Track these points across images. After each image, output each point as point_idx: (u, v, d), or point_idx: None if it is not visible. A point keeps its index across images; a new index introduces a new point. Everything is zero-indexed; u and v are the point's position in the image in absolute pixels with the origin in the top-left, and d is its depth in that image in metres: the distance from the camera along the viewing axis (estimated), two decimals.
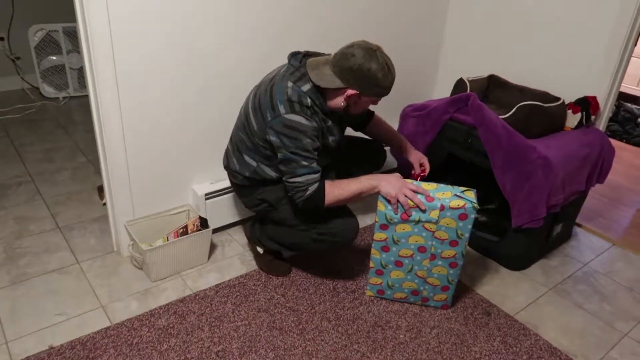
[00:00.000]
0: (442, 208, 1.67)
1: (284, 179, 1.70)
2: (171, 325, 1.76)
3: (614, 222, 2.65)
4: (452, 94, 2.38)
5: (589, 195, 2.49)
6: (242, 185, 1.90)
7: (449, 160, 2.37)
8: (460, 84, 2.36)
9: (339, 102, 1.68)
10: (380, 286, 1.91)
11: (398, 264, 1.83)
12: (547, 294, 2.07)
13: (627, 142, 3.73)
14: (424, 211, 1.67)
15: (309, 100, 1.65)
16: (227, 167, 1.93)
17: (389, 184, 1.67)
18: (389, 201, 1.68)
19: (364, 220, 2.42)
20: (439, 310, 1.92)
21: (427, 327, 1.84)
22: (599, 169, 2.23)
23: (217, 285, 1.97)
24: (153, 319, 1.78)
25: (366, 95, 1.65)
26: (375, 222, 1.75)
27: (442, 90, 2.94)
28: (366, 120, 2.08)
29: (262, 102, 1.68)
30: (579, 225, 2.57)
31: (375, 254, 1.83)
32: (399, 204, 1.67)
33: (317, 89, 1.66)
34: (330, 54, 1.71)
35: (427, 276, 1.83)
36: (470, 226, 1.70)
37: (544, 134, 2.13)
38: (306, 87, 1.65)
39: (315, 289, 1.99)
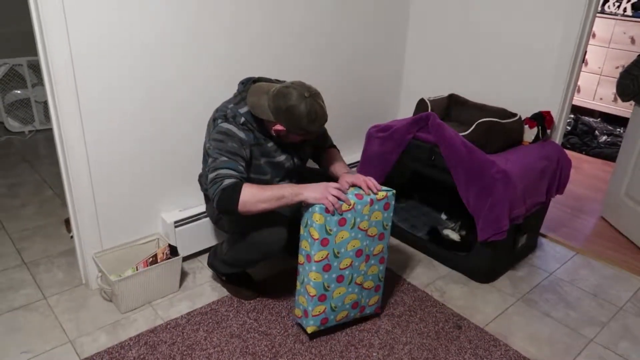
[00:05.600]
0: (372, 202, 1.71)
1: (208, 177, 1.69)
2: (142, 357, 1.73)
3: (577, 231, 2.74)
4: (414, 113, 2.45)
5: (551, 206, 2.58)
6: (207, 195, 1.99)
7: (413, 178, 2.44)
8: (421, 104, 2.44)
9: (270, 130, 1.78)
10: (324, 313, 1.77)
11: (339, 279, 1.75)
12: (515, 304, 2.12)
13: (587, 153, 3.88)
14: (351, 209, 1.65)
15: (242, 119, 1.77)
16: (199, 178, 2.05)
17: (313, 190, 1.64)
18: (327, 210, 1.62)
19: None
20: (411, 326, 1.94)
21: (400, 343, 1.86)
22: (557, 180, 2.32)
23: (188, 313, 1.95)
24: (123, 351, 1.75)
25: (292, 133, 1.74)
26: (315, 240, 1.65)
27: (407, 110, 3.03)
28: (322, 152, 2.07)
29: (210, 120, 1.84)
30: (544, 236, 2.65)
31: (316, 277, 1.70)
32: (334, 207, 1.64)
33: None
34: (277, 84, 1.76)
35: (364, 281, 1.81)
36: (391, 215, 1.77)
37: (503, 148, 2.22)
38: (243, 110, 1.78)
39: (288, 311, 1.99)
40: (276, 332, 1.87)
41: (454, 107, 2.56)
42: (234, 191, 1.62)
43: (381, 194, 1.73)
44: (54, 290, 2.06)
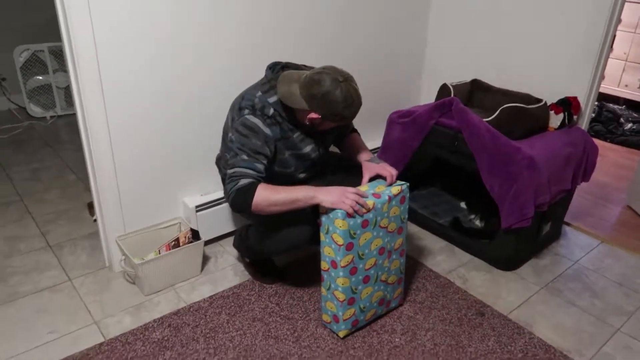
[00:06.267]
0: (389, 199, 1.68)
1: (227, 172, 1.69)
2: (166, 339, 1.75)
3: (602, 220, 2.69)
4: (436, 99, 2.42)
5: (576, 194, 2.53)
6: (224, 179, 1.92)
7: (434, 165, 2.41)
8: (444, 89, 2.40)
9: (303, 119, 1.72)
10: (354, 316, 1.76)
11: (366, 279, 1.72)
12: (539, 292, 2.09)
13: (611, 141, 3.80)
14: (368, 210, 1.61)
15: (271, 110, 1.71)
16: (217, 162, 2.02)
17: (329, 194, 1.59)
18: (348, 215, 1.58)
19: None
20: (434, 313, 1.93)
21: (422, 329, 1.85)
22: (583, 167, 2.27)
23: (210, 297, 1.96)
24: (147, 333, 1.77)
25: (328, 120, 1.68)
26: (340, 246, 1.60)
27: (429, 96, 2.99)
28: (343, 136, 2.05)
29: (234, 106, 1.77)
30: (568, 224, 2.60)
31: (344, 282, 1.66)
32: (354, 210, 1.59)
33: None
34: (307, 69, 1.75)
35: (387, 277, 1.81)
36: (407, 207, 1.76)
37: (528, 135, 2.17)
38: (272, 99, 1.71)
39: (309, 296, 1.99)
40: (298, 316, 1.88)
41: (477, 92, 2.52)
42: (248, 192, 1.61)
43: (396, 189, 1.70)
44: (79, 272, 2.09)
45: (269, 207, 1.63)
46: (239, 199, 1.63)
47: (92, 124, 1.84)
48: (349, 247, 1.62)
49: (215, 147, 2.12)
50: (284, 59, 2.19)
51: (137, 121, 1.95)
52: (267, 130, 1.69)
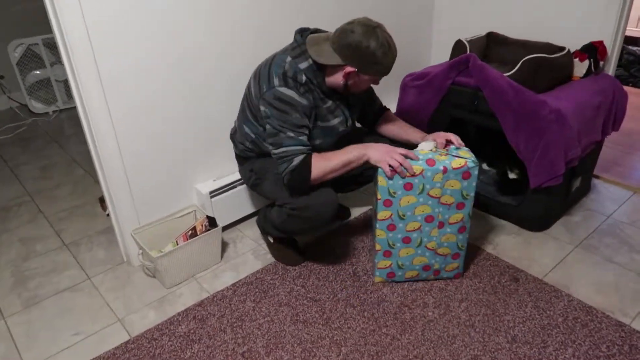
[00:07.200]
0: (445, 170, 1.60)
1: (271, 151, 1.67)
2: (192, 331, 1.70)
3: (633, 170, 2.56)
4: (451, 57, 2.28)
5: (603, 145, 2.40)
6: (240, 156, 1.92)
7: (451, 127, 2.29)
8: (458, 46, 2.26)
9: (338, 79, 1.63)
10: (390, 268, 1.82)
11: (406, 240, 1.74)
12: (574, 251, 2.00)
13: (634, 85, 3.62)
14: (412, 175, 1.59)
15: (304, 77, 1.61)
16: (232, 136, 1.95)
17: (377, 150, 1.61)
18: (388, 175, 1.60)
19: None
20: (465, 282, 1.85)
21: (455, 301, 1.78)
22: (613, 116, 2.14)
23: (234, 284, 1.90)
24: (173, 327, 1.72)
25: (365, 73, 1.60)
26: (377, 199, 1.66)
27: (441, 55, 2.84)
28: (377, 115, 1.97)
29: (262, 73, 1.67)
30: (597, 177, 2.49)
31: (380, 234, 1.73)
32: (395, 171, 1.59)
33: (316, 66, 1.62)
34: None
35: (437, 247, 1.76)
36: (474, 184, 1.64)
37: (553, 86, 2.04)
38: (304, 65, 1.61)
39: (335, 275, 1.92)
40: (325, 298, 1.82)
41: (493, 46, 2.37)
42: (305, 169, 1.61)
43: (457, 162, 1.60)
44: (97, 269, 2.04)
45: (325, 177, 1.64)
46: (296, 179, 1.63)
47: (93, 117, 1.75)
48: (386, 203, 1.66)
49: (226, 128, 2.04)
50: (286, 24, 2.08)
51: (140, 110, 1.85)
52: (303, 101, 1.61)
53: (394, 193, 1.64)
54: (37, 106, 3.70)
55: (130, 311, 1.81)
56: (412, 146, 1.74)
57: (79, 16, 1.60)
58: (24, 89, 3.61)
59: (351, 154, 1.63)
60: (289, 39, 1.72)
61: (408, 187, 1.62)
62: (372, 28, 1.52)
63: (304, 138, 1.63)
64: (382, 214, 1.69)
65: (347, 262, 1.99)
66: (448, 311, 1.73)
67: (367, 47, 1.52)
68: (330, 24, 1.73)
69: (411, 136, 1.86)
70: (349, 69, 1.57)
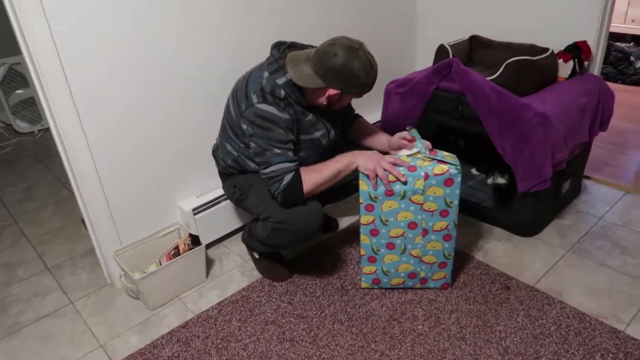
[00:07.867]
0: (427, 177, 1.57)
1: (260, 171, 1.64)
2: (176, 355, 1.65)
3: (623, 169, 2.53)
4: (434, 62, 2.25)
5: (593, 145, 2.37)
6: (223, 172, 1.88)
7: (438, 133, 2.25)
8: (441, 51, 2.23)
9: (319, 100, 1.61)
10: (375, 274, 1.80)
11: (390, 246, 1.72)
12: (565, 256, 1.96)
13: (623, 82, 3.60)
14: (405, 183, 1.58)
15: (282, 92, 1.58)
16: (214, 153, 1.92)
17: (366, 158, 1.59)
18: (369, 177, 1.60)
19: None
20: (455, 292, 1.81)
21: (446, 312, 1.73)
22: (600, 116, 2.10)
23: (219, 304, 1.86)
24: (156, 351, 1.67)
25: (348, 93, 1.58)
26: (360, 204, 1.64)
27: (425, 61, 2.81)
28: (351, 122, 1.95)
29: (239, 90, 1.64)
30: (588, 178, 2.45)
31: (364, 239, 1.72)
32: (378, 180, 1.59)
33: (294, 83, 1.58)
34: (312, 49, 1.62)
35: (422, 254, 1.73)
36: (457, 192, 1.60)
37: (538, 89, 2.01)
38: (282, 80, 1.58)
39: (322, 290, 1.88)
40: (312, 314, 1.77)
41: (477, 49, 2.34)
42: (297, 187, 1.60)
43: (439, 169, 1.56)
44: (80, 293, 1.99)
45: (318, 189, 1.64)
46: (289, 197, 1.61)
47: (68, 138, 1.71)
48: (368, 208, 1.65)
49: (207, 143, 2.00)
50: (266, 34, 2.05)
51: (116, 128, 1.81)
52: (285, 115, 1.57)
53: (376, 198, 1.62)
54: (22, 125, 3.65)
55: (113, 336, 1.76)
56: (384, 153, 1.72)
57: (46, 31, 1.57)
58: (8, 108, 3.57)
59: (340, 162, 1.62)
60: (267, 51, 1.68)
61: (389, 193, 1.60)
62: (354, 50, 1.49)
63: (292, 153, 1.62)
64: (364, 218, 1.67)
65: (334, 275, 1.95)
66: (438, 324, 1.69)
67: (351, 70, 1.50)
68: (310, 36, 1.70)
69: (377, 141, 1.85)
70: (331, 91, 1.55)
